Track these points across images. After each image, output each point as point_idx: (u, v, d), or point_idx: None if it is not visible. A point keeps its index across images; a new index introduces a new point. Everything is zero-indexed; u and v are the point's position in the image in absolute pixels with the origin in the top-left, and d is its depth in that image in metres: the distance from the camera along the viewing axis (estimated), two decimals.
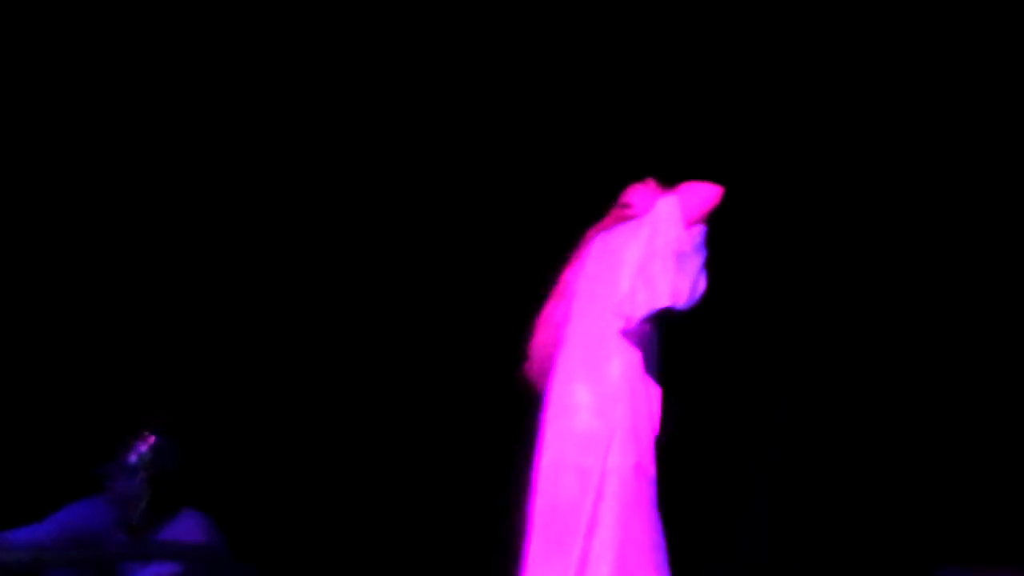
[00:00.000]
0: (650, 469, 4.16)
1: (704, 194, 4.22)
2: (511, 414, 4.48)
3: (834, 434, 6.12)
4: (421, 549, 6.16)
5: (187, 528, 4.91)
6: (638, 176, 4.43)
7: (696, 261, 4.16)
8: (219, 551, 4.85)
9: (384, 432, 6.30)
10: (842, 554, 6.02)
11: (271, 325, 6.39)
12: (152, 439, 4.94)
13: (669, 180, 4.32)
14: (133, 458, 4.91)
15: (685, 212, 4.19)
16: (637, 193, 4.39)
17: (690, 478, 4.62)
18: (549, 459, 4.17)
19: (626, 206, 4.39)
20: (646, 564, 4.06)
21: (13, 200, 6.10)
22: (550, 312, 4.40)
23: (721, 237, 4.23)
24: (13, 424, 5.71)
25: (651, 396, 4.22)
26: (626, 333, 4.19)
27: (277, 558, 5.45)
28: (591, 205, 4.48)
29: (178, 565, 4.82)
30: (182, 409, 5.62)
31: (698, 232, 4.19)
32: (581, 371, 4.20)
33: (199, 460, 5.10)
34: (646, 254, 4.18)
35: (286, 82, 6.40)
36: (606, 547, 4.00)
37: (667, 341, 4.26)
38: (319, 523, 6.17)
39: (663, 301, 4.09)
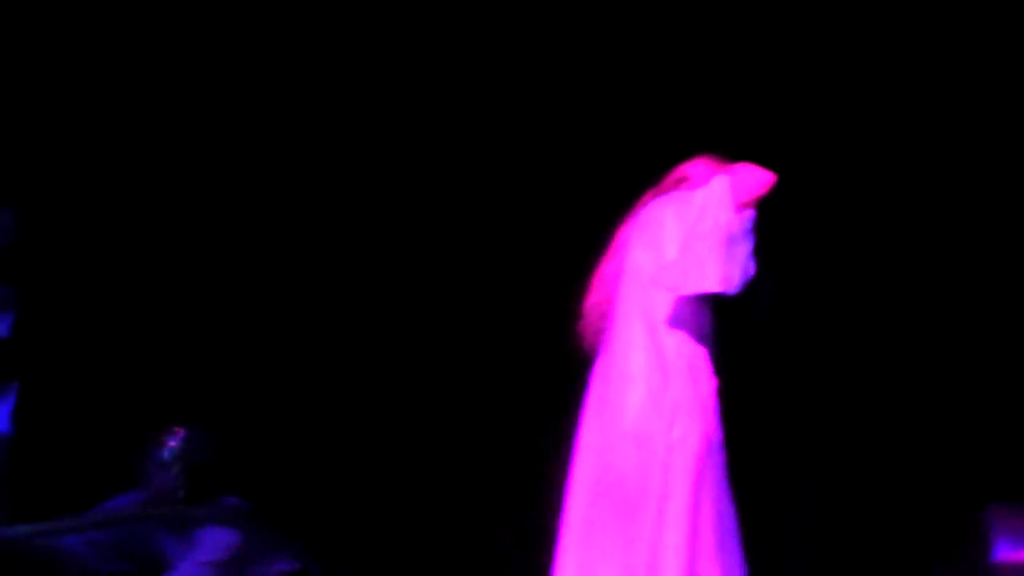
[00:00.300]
0: (717, 439, 4.17)
1: (757, 179, 4.19)
2: (563, 376, 4.49)
3: (885, 374, 6.07)
4: (465, 516, 6.21)
5: (225, 520, 5.02)
6: (698, 144, 4.43)
7: (745, 246, 4.16)
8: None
9: (430, 396, 6.33)
10: (895, 492, 5.98)
11: (309, 299, 6.45)
12: (181, 432, 5.05)
13: (728, 156, 4.31)
14: (165, 453, 5.01)
15: (736, 194, 4.17)
16: (696, 165, 4.37)
17: (749, 447, 4.58)
18: (603, 427, 4.17)
19: (683, 177, 4.37)
20: (718, 536, 4.07)
21: (42, 197, 6.21)
22: (603, 271, 4.38)
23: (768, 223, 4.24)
24: (47, 424, 5.82)
25: (708, 367, 4.23)
26: (679, 306, 4.19)
27: (317, 539, 5.50)
28: (651, 166, 4.46)
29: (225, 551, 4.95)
30: (209, 398, 5.74)
31: (748, 216, 4.18)
32: (635, 338, 4.21)
33: (232, 447, 5.21)
34: (692, 230, 4.17)
35: (319, 83, 6.48)
36: (678, 519, 3.99)
37: (719, 319, 4.28)
38: (358, 496, 6.22)
39: (713, 286, 4.09)
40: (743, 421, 4.39)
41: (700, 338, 4.23)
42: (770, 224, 4.26)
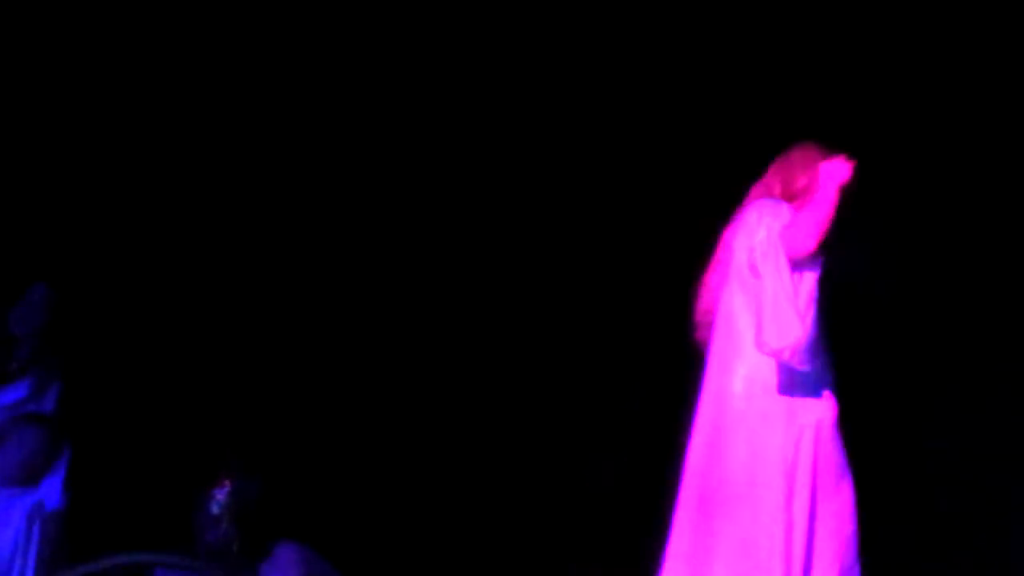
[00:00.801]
0: (834, 422, 4.07)
1: (802, 240, 4.02)
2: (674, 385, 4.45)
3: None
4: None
5: (285, 562, 4.95)
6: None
7: (814, 307, 4.06)
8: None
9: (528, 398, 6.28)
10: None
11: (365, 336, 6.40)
12: (227, 483, 4.98)
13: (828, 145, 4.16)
14: (214, 508, 4.96)
15: (787, 248, 4.03)
16: (798, 153, 4.26)
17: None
18: (711, 418, 4.10)
19: (784, 169, 4.25)
20: (844, 524, 4.02)
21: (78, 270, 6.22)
22: (709, 279, 4.29)
23: None
24: (98, 492, 5.82)
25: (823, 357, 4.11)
26: None
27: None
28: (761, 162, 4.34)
29: None
30: (254, 448, 5.70)
31: (814, 276, 4.05)
32: (736, 346, 4.13)
33: (282, 489, 5.15)
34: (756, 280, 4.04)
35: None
36: (800, 504, 3.95)
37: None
38: (430, 519, 6.19)
39: (805, 365, 3.98)
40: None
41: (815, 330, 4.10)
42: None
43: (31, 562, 5.38)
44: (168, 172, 6.45)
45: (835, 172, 3.99)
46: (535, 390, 6.33)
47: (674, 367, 4.50)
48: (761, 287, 4.01)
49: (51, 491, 5.40)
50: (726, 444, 4.03)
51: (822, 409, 4.06)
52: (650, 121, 6.23)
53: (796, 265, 4.02)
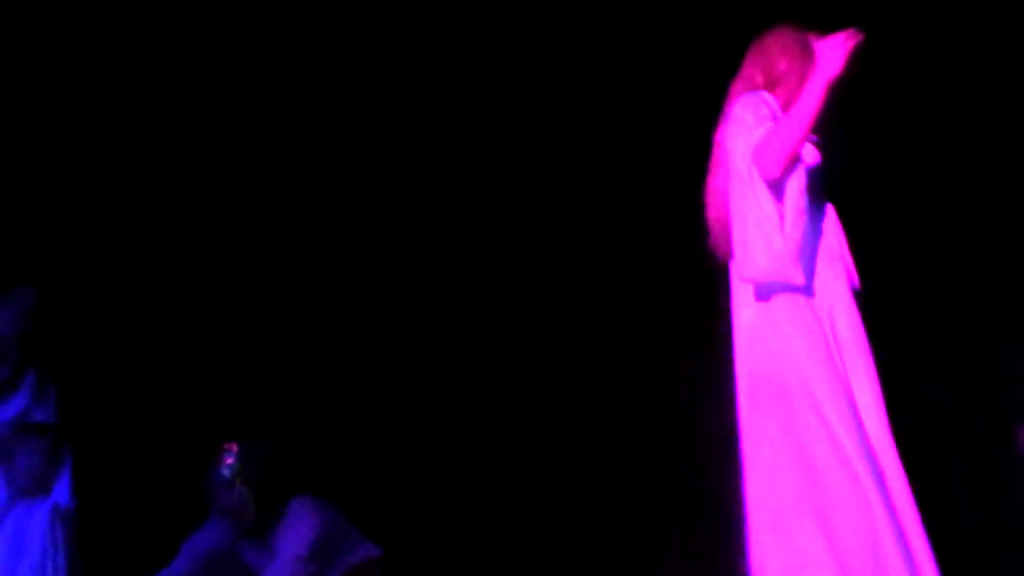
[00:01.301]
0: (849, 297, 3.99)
1: (767, 162, 3.85)
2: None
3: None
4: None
5: (301, 517, 5.06)
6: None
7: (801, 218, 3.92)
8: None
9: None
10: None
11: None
12: (235, 447, 5.09)
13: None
14: (225, 472, 5.06)
15: (761, 168, 3.88)
16: (775, 37, 4.09)
17: None
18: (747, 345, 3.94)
19: (767, 56, 4.08)
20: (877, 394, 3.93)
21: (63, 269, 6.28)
22: (712, 183, 4.11)
23: None
24: (108, 487, 5.91)
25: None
26: None
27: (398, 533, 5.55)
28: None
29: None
30: (258, 411, 5.77)
31: (798, 185, 3.90)
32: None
33: (291, 449, 5.25)
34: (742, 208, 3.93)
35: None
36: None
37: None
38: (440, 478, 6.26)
39: (799, 281, 3.88)
40: None
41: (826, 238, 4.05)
42: None
43: (61, 562, 5.50)
44: (156, 160, 6.40)
45: (833, 54, 3.83)
46: (530, 380, 6.34)
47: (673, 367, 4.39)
48: (740, 213, 3.90)
49: (63, 491, 5.52)
50: (767, 348, 3.90)
51: (835, 291, 3.96)
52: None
53: (774, 185, 3.87)
